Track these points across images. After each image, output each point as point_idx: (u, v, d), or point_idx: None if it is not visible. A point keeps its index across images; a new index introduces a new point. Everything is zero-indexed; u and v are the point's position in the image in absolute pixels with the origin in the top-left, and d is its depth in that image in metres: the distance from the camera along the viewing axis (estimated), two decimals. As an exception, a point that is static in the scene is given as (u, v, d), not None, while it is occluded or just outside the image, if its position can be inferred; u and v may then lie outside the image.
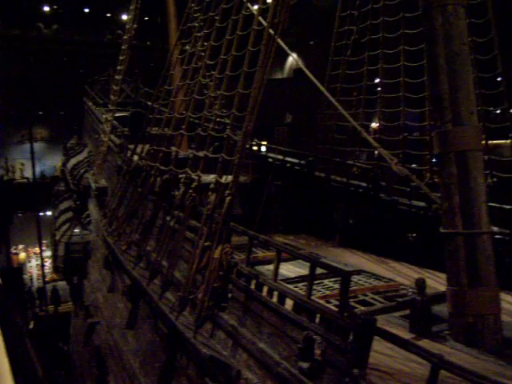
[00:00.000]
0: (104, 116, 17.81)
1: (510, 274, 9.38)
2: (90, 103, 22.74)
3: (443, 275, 8.23)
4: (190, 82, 10.40)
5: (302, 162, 15.43)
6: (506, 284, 8.71)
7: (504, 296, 8.75)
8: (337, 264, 7.37)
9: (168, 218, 9.71)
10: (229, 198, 7.68)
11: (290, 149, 16.51)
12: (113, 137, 16.19)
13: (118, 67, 17.42)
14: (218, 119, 9.25)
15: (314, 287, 9.30)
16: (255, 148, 17.07)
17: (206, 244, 7.84)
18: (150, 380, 8.80)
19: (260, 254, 11.45)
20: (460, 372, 4.29)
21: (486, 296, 7.62)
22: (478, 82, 11.54)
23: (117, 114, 17.09)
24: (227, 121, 8.71)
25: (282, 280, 8.35)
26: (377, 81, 14.68)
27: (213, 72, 9.85)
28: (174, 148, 10.37)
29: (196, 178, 8.90)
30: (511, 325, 8.37)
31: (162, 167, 10.45)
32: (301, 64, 12.09)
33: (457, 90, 7.80)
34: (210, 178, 8.47)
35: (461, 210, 7.68)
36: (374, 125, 16.65)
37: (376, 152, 12.96)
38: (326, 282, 9.79)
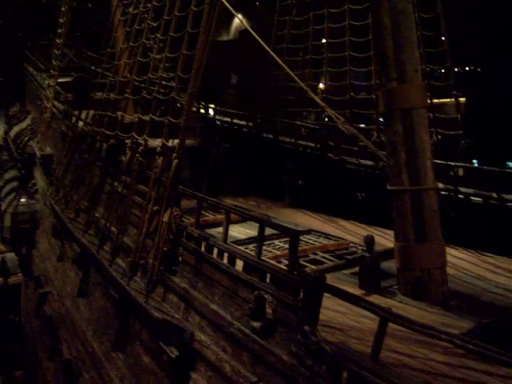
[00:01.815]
0: (46, 82, 17.34)
1: (455, 228, 9.62)
2: (31, 69, 22.08)
3: (391, 232, 8.39)
4: (134, 45, 10.18)
5: (250, 123, 15.38)
6: (451, 239, 8.94)
7: (449, 250, 8.99)
8: (286, 223, 7.41)
9: (116, 184, 9.59)
10: (176, 161, 7.61)
11: (238, 111, 16.43)
12: (56, 103, 15.80)
13: (59, 30, 16.92)
14: (164, 82, 9.09)
15: (265, 248, 9.37)
16: (203, 111, 16.94)
17: (154, 208, 7.78)
18: (104, 347, 8.77)
19: (210, 217, 11.44)
20: (407, 324, 4.40)
21: (433, 250, 7.81)
22: (422, 41, 11.62)
23: (60, 80, 16.65)
24: (173, 84, 8.56)
25: (232, 242, 8.37)
26: (323, 41, 14.66)
27: (157, 34, 9.65)
28: (119, 113, 10.19)
29: (142, 142, 8.78)
30: (457, 278, 8.63)
31: (108, 132, 10.28)
32: (246, 25, 11.97)
33: (401, 49, 7.85)
34: (157, 142, 8.37)
35: (407, 167, 7.80)
36: (322, 85, 16.67)
37: (324, 112, 13.03)
38: (276, 242, 9.88)
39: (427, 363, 5.58)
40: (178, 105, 8.43)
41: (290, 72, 10.04)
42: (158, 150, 8.17)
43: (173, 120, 8.06)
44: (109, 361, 8.36)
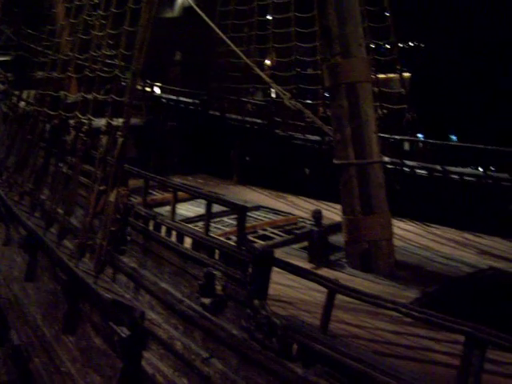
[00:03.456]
0: (-17, 61, 16.81)
1: (401, 201, 9.82)
2: (-34, 48, 21.32)
3: (339, 206, 8.50)
4: (75, 21, 9.94)
5: (197, 101, 15.27)
6: (397, 211, 9.13)
7: (396, 222, 9.18)
8: (234, 200, 7.43)
9: (61, 165, 9.40)
10: (121, 139, 7.49)
11: (184, 88, 16.28)
12: (-4, 83, 15.33)
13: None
14: (107, 60, 8.92)
15: (215, 225, 9.39)
16: (148, 89, 16.71)
17: (101, 188, 7.66)
18: (54, 330, 8.66)
19: (159, 196, 11.36)
20: (354, 294, 4.47)
21: (379, 223, 7.96)
22: (366, 16, 11.71)
23: (-2, 59, 16.18)
24: (117, 61, 8.40)
25: (181, 220, 8.36)
26: (268, 17, 14.62)
27: (98, 10, 9.43)
28: (62, 92, 9.97)
29: (87, 121, 8.62)
30: (403, 249, 8.83)
31: (51, 112, 10.04)
32: (190, 1, 11.83)
33: (345, 23, 7.91)
34: (102, 121, 8.23)
35: (352, 141, 7.90)
36: (268, 61, 16.65)
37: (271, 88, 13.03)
38: (225, 219, 9.89)
39: (375, 332, 5.71)
40: (123, 83, 8.30)
41: (236, 48, 10.02)
42: (103, 129, 8.04)
43: (117, 98, 7.93)
44: (59, 344, 8.24)
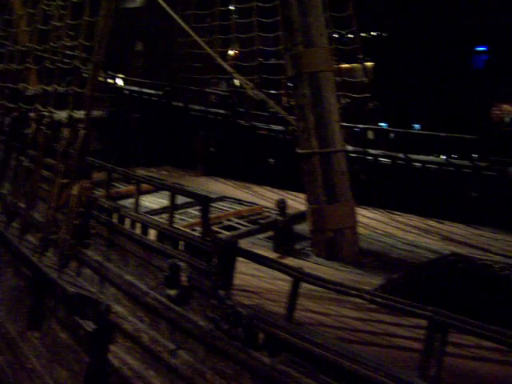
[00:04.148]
0: None
1: (365, 189, 9.92)
2: None
3: (303, 195, 8.54)
4: (32, 11, 9.76)
5: (160, 92, 15.16)
6: (362, 199, 9.22)
7: (360, 210, 9.28)
8: (198, 190, 7.43)
9: (22, 158, 9.25)
10: (83, 132, 7.41)
11: (147, 80, 16.15)
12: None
13: None
14: (67, 51, 8.79)
15: (180, 217, 9.36)
16: (111, 81, 16.51)
17: (63, 181, 7.57)
18: (19, 327, 8.55)
19: (123, 188, 11.26)
20: (318, 282, 4.51)
21: (343, 211, 8.03)
22: (327, 6, 11.73)
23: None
24: (77, 53, 8.28)
25: (146, 212, 8.31)
26: (230, 7, 14.58)
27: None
28: (21, 84, 9.79)
29: (47, 114, 8.50)
30: (368, 237, 8.93)
31: (10, 105, 9.87)
32: (152, -9, 11.72)
33: (306, 13, 7.93)
34: (64, 114, 8.12)
35: (315, 130, 7.93)
36: (231, 52, 16.60)
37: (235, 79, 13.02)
38: (190, 210, 9.86)
39: (340, 320, 5.78)
40: (85, 75, 8.19)
41: (198, 39, 9.96)
42: (64, 121, 7.93)
43: (78, 90, 7.83)
44: (24, 341, 8.13)
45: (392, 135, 11.74)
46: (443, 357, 3.62)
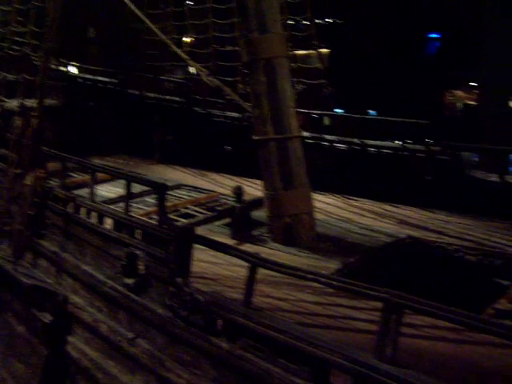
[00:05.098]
0: None
1: (321, 175, 9.98)
2: None
3: (260, 182, 8.56)
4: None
5: (114, 80, 14.96)
6: (318, 185, 9.28)
7: (317, 196, 9.33)
8: (154, 178, 7.37)
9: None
10: (35, 121, 7.28)
11: (102, 67, 15.90)
12: None
13: None
14: (16, 38, 8.60)
15: (137, 206, 9.28)
16: (63, 69, 16.22)
17: (16, 171, 7.43)
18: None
19: (79, 178, 11.10)
20: (275, 267, 4.54)
21: (300, 197, 8.08)
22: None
23: None
24: (27, 39, 8.12)
25: (102, 201, 8.21)
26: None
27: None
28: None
29: (-2, 103, 8.33)
30: (325, 222, 9.00)
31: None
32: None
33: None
34: (15, 103, 7.96)
35: (271, 116, 7.94)
36: (186, 39, 16.47)
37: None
38: (147, 199, 9.79)
39: (299, 304, 5.83)
40: (36, 62, 8.04)
41: (151, 25, 9.85)
42: (16, 110, 7.79)
43: (29, 78, 7.68)
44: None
45: (348, 121, 11.86)
46: (399, 337, 3.69)
